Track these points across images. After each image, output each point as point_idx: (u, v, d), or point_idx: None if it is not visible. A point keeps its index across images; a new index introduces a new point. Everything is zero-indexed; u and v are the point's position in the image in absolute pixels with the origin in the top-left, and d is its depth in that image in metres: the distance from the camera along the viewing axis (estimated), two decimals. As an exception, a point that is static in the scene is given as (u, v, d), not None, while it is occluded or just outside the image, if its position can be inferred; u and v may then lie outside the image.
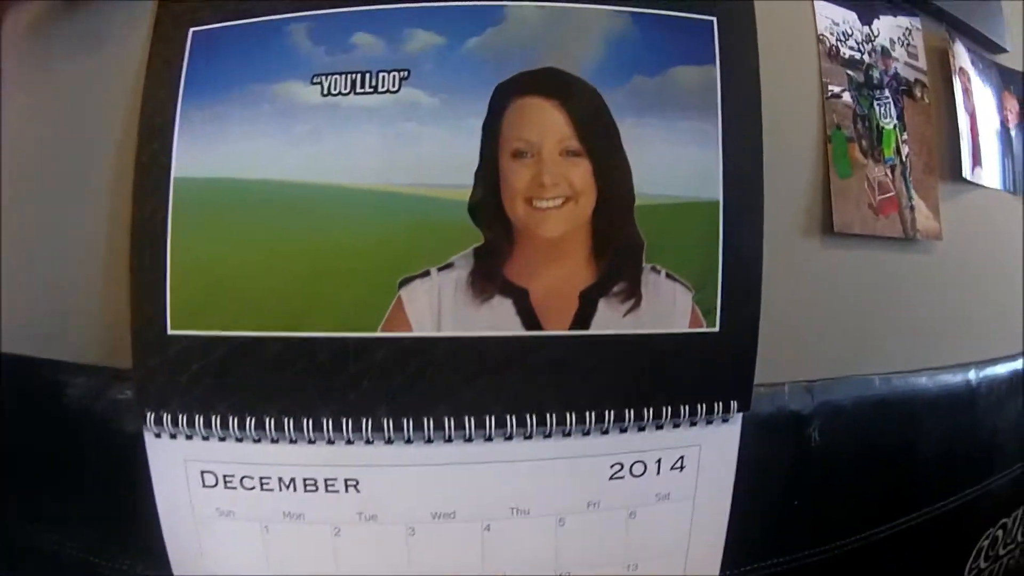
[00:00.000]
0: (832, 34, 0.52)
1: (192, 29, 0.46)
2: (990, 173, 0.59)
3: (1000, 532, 0.61)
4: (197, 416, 0.43)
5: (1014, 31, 0.65)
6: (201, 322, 0.44)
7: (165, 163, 0.45)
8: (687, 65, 0.45)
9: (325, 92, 0.44)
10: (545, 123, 0.44)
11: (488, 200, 0.43)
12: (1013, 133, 0.62)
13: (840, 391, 0.50)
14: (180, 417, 0.43)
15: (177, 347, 0.44)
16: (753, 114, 0.46)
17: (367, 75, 0.44)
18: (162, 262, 0.44)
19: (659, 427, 0.45)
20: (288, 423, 0.43)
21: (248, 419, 0.43)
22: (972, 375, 0.57)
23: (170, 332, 0.44)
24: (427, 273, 0.43)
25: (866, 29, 0.54)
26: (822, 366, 0.50)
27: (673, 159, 0.45)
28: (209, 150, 0.45)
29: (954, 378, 0.56)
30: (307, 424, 0.43)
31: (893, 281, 0.54)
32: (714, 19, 0.46)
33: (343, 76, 0.44)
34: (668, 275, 0.44)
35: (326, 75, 0.44)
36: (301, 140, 0.44)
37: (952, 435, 0.56)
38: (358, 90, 0.44)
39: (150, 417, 0.43)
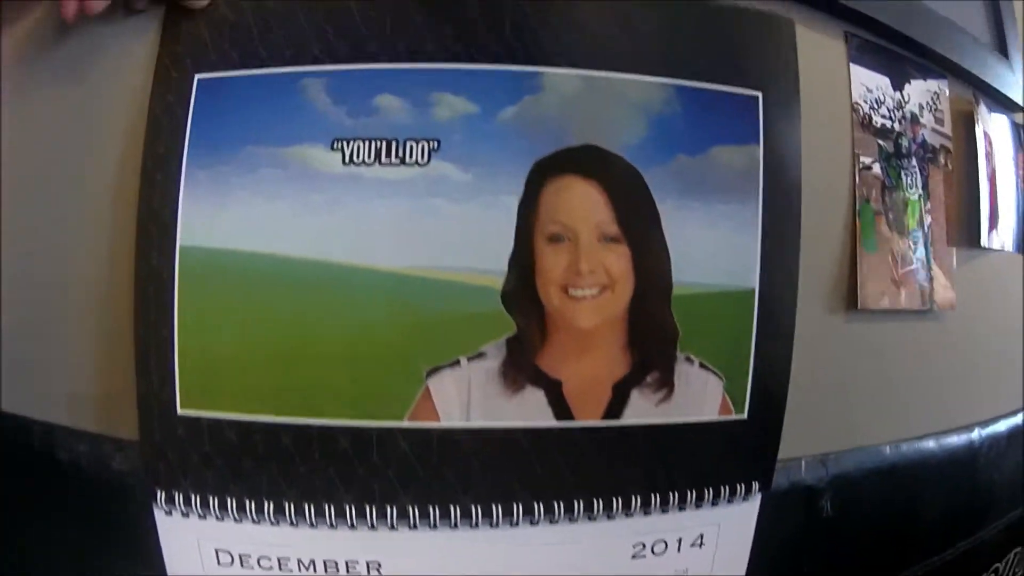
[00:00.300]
0: (866, 102, 0.51)
1: (198, 76, 0.42)
2: (1004, 235, 0.60)
3: (992, 577, 0.65)
4: (211, 498, 0.41)
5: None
6: (213, 403, 0.41)
7: (169, 229, 0.41)
8: (730, 144, 0.44)
9: (347, 160, 0.41)
10: (585, 206, 0.42)
11: (521, 287, 0.41)
12: (1027, 194, 0.63)
13: (852, 462, 0.51)
14: (193, 497, 0.41)
15: (187, 427, 0.41)
16: (794, 198, 0.45)
17: (394, 143, 0.41)
18: (169, 338, 0.41)
19: (682, 509, 0.45)
20: (308, 509, 0.41)
21: (266, 504, 0.41)
22: (975, 435, 0.58)
23: (179, 412, 0.41)
24: (457, 363, 0.41)
25: (897, 95, 0.52)
26: (836, 438, 0.51)
27: (712, 245, 0.43)
28: (216, 217, 0.41)
29: (959, 439, 0.57)
30: (328, 510, 0.42)
31: (908, 351, 0.54)
32: (760, 94, 0.44)
33: (367, 143, 0.41)
34: (702, 365, 0.44)
35: (348, 140, 0.41)
36: (318, 211, 0.41)
37: (955, 493, 0.58)
38: (383, 160, 0.41)
39: (161, 496, 0.42)
